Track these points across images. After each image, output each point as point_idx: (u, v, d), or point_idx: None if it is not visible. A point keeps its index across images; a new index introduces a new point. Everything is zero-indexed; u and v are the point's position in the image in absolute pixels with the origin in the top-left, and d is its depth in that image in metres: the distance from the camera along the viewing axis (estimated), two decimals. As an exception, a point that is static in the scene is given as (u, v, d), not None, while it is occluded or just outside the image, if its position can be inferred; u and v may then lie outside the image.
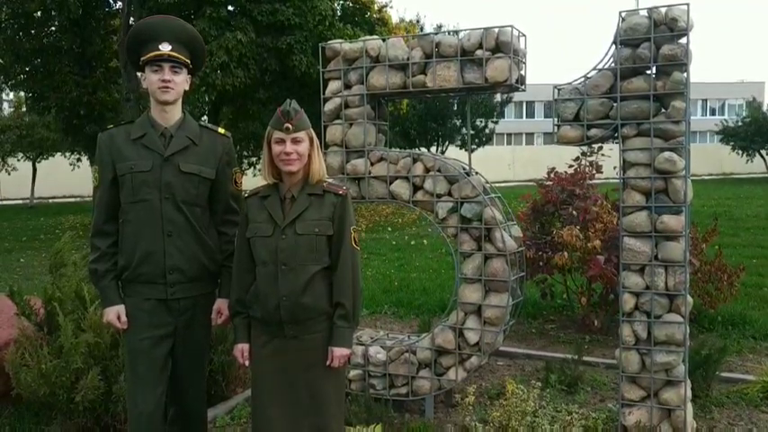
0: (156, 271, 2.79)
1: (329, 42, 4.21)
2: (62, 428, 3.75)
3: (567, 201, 5.84)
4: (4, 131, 22.63)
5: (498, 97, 25.60)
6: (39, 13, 15.41)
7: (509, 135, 50.15)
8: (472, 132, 26.60)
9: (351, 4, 16.88)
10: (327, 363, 2.63)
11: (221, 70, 12.96)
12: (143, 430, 2.78)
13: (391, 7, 32.04)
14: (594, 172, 6.13)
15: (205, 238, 2.87)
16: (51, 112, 16.87)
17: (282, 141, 2.58)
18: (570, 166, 6.15)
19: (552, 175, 6.20)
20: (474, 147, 27.20)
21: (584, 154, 6.13)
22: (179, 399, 2.97)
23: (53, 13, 14.72)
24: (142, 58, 2.77)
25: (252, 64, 13.28)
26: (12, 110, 25.29)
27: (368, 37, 4.19)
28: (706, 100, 52.85)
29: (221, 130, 3.00)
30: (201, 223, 2.87)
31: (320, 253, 2.61)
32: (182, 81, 2.82)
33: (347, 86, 4.11)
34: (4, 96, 27.27)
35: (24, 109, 22.71)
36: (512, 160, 36.86)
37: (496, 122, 26.85)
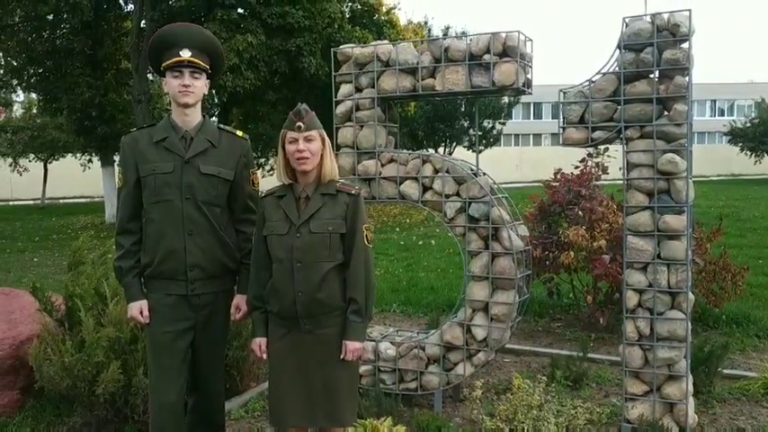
0: (178, 268, 2.91)
1: (341, 47, 4.33)
2: (83, 420, 3.89)
3: (574, 201, 5.94)
4: (16, 132, 22.89)
5: (506, 98, 25.67)
6: (51, 16, 15.63)
7: (516, 136, 50.18)
8: (479, 133, 26.70)
9: (359, 7, 17.04)
10: (341, 356, 2.74)
11: (231, 72, 13.12)
12: (165, 420, 2.91)
13: (399, 9, 32.12)
14: (600, 173, 6.23)
15: (224, 237, 2.99)
16: (63, 113, 17.10)
17: (295, 141, 2.70)
18: (576, 167, 6.24)
19: (559, 176, 6.29)
20: (481, 148, 27.28)
21: (590, 155, 6.22)
22: (198, 390, 3.10)
23: (65, 15, 14.91)
24: (163, 64, 2.89)
25: (262, 66, 13.44)
26: (23, 111, 25.56)
27: (378, 42, 4.32)
28: (715, 100, 52.69)
29: (239, 133, 3.12)
30: (221, 222, 2.99)
31: (334, 250, 2.73)
32: (201, 86, 2.95)
33: (358, 90, 4.23)
34: (15, 98, 27.59)
35: (36, 110, 22.97)
36: (519, 161, 36.91)
37: (504, 123, 26.91)
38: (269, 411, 2.90)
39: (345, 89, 4.26)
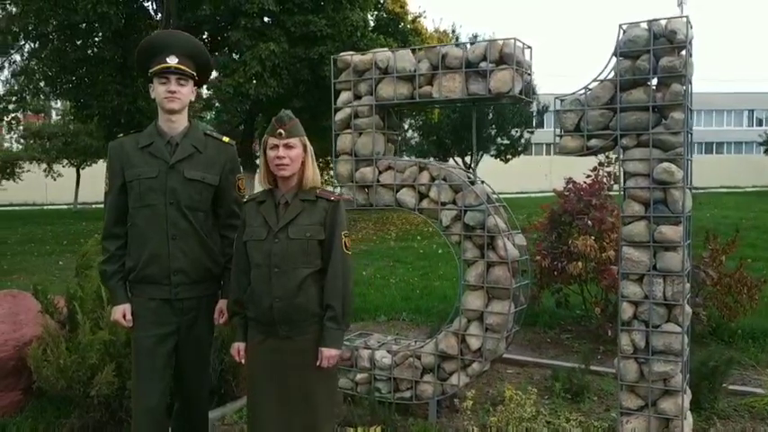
0: (162, 272, 2.94)
1: (341, 54, 4.34)
2: (79, 422, 3.94)
3: (584, 211, 5.85)
4: (51, 139, 23.50)
5: (534, 107, 25.48)
6: (84, 25, 15.99)
7: (549, 145, 49.70)
8: (507, 142, 26.50)
9: (384, 15, 17.08)
10: (318, 363, 2.73)
11: (256, 80, 13.26)
12: (146, 423, 2.93)
13: (425, 17, 32.00)
14: (612, 182, 6.12)
15: (208, 242, 3.01)
16: (94, 120, 17.45)
17: (276, 147, 2.71)
18: (588, 176, 6.15)
19: (570, 185, 6.21)
20: (509, 156, 27.10)
21: (601, 164, 6.13)
22: (182, 394, 3.13)
23: (96, 24, 15.25)
24: (150, 70, 2.93)
25: (285, 74, 13.54)
26: (58, 118, 26.27)
27: (378, 49, 4.31)
28: (753, 110, 51.56)
29: (226, 139, 3.15)
30: (205, 227, 3.01)
31: (311, 257, 2.72)
32: (187, 92, 2.98)
33: (357, 97, 4.23)
34: (53, 105, 28.34)
35: (69, 117, 23.58)
36: (549, 170, 36.56)
37: (532, 132, 26.67)
38: (247, 417, 2.89)
39: (344, 96, 4.27)
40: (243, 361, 2.83)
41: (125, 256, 3.00)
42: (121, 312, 2.97)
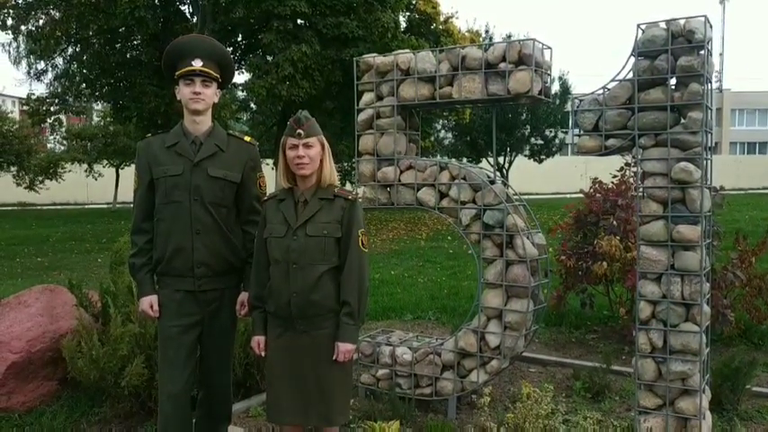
0: (186, 265, 3.07)
1: (363, 56, 4.43)
2: (111, 411, 4.10)
3: (610, 211, 5.83)
4: (92, 140, 24.12)
5: (569, 106, 25.25)
6: (122, 29, 16.42)
7: (584, 145, 49.05)
8: (541, 142, 26.33)
9: (416, 16, 17.15)
10: (333, 357, 2.82)
11: (288, 82, 13.44)
12: (171, 407, 3.07)
13: (457, 18, 31.89)
14: (639, 182, 6.07)
15: (230, 237, 3.14)
16: (132, 121, 17.90)
17: (295, 147, 2.81)
18: (614, 177, 6.13)
19: (596, 186, 6.19)
20: (543, 157, 26.93)
21: (627, 164, 6.10)
22: (206, 382, 3.26)
23: (134, 28, 15.64)
24: (176, 73, 3.06)
25: (317, 75, 13.70)
26: (99, 119, 26.94)
27: (399, 51, 4.38)
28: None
29: (248, 139, 3.27)
30: (227, 223, 3.13)
31: (329, 254, 2.81)
32: (211, 94, 3.10)
33: (379, 98, 4.31)
34: (93, 106, 29.09)
35: (109, 119, 24.19)
36: (585, 170, 36.18)
37: (566, 132, 26.44)
38: (266, 407, 3.00)
39: (367, 97, 4.35)
40: (263, 354, 2.93)
41: (152, 250, 3.14)
42: (148, 303, 3.11)
